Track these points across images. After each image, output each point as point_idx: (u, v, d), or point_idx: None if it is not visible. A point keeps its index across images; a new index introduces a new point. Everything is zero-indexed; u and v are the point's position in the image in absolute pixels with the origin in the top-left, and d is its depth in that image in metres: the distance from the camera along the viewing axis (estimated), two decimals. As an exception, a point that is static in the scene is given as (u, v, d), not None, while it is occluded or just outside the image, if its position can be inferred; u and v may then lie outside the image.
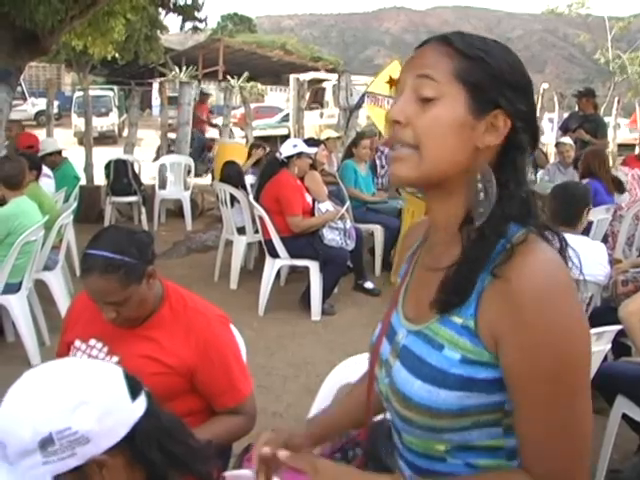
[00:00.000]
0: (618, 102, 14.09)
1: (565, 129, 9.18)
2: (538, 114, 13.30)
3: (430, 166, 1.16)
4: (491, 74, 1.15)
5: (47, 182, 6.45)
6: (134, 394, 1.34)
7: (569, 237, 3.89)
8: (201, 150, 12.76)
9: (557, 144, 8.47)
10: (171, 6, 10.58)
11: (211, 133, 14.59)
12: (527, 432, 1.08)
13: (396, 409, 1.25)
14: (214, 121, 14.77)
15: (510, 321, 1.08)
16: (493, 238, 1.15)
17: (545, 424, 1.06)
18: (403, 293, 1.35)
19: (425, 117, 1.15)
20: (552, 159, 10.27)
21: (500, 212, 1.15)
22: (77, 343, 2.30)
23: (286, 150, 6.14)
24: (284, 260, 6.10)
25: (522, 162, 1.19)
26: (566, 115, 10.72)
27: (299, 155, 6.12)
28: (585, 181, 6.21)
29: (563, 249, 1.18)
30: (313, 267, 5.93)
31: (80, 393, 1.27)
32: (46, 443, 1.22)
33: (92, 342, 2.28)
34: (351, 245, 6.10)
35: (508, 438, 1.17)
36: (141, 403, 1.35)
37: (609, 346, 3.03)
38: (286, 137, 12.46)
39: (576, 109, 9.64)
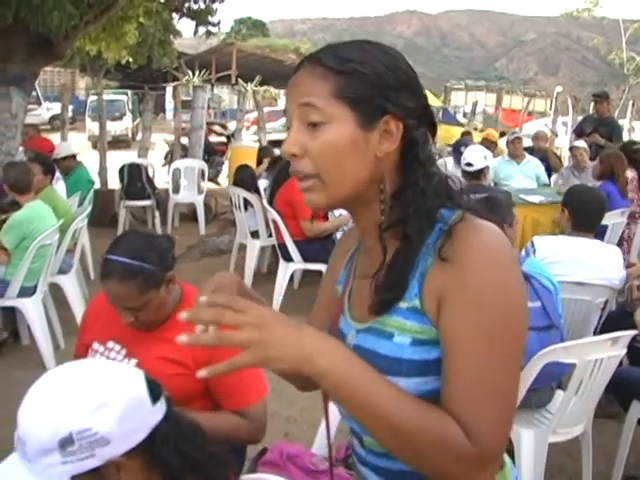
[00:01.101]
0: (633, 105, 14.04)
1: (579, 133, 9.12)
2: (552, 117, 13.25)
3: (335, 190, 1.17)
4: (370, 83, 1.14)
5: (58, 185, 6.47)
6: (155, 397, 1.35)
7: (584, 241, 3.88)
8: (208, 154, 12.75)
9: (571, 148, 8.41)
10: (185, 11, 10.58)
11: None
12: (457, 389, 1.08)
13: None
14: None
15: (453, 281, 1.10)
16: (416, 237, 1.16)
17: (477, 383, 1.07)
18: (347, 298, 1.36)
19: (317, 144, 1.15)
20: (566, 163, 10.23)
21: (416, 211, 1.17)
22: (95, 345, 2.31)
23: (300, 154, 6.14)
24: (298, 264, 6.10)
25: (425, 155, 1.19)
26: (580, 118, 10.66)
27: (313, 159, 6.12)
28: (599, 183, 6.18)
29: None
30: (326, 271, 5.93)
31: (102, 394, 1.28)
32: (66, 443, 1.23)
33: (110, 344, 2.29)
34: (364, 249, 6.09)
35: None
36: (161, 407, 1.36)
37: (624, 351, 3.01)
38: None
39: (590, 112, 9.58)
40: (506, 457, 1.28)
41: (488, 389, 1.07)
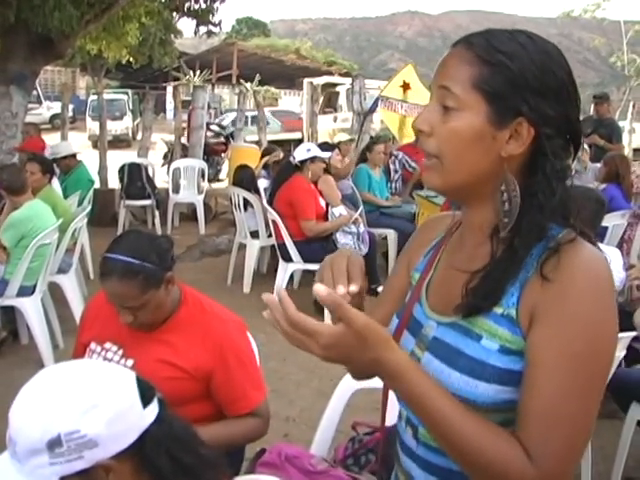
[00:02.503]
0: (633, 106, 14.01)
1: (579, 134, 9.09)
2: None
3: (452, 176, 1.16)
4: (512, 81, 1.10)
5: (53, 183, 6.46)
6: (146, 400, 1.33)
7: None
8: (207, 154, 12.71)
9: (571, 149, 8.38)
10: (186, 10, 10.58)
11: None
12: (532, 406, 1.07)
13: None
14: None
15: (552, 302, 1.08)
16: (522, 252, 1.13)
17: (552, 404, 1.05)
18: (425, 287, 1.33)
19: (445, 129, 1.14)
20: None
21: (528, 224, 1.13)
22: (93, 345, 2.30)
23: (300, 154, 6.14)
24: (297, 264, 6.10)
25: (553, 169, 1.13)
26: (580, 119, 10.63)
27: (313, 159, 6.12)
28: (603, 186, 6.15)
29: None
30: (326, 271, 5.92)
31: (92, 396, 1.27)
32: (54, 444, 1.23)
33: (108, 345, 2.28)
34: (364, 249, 6.08)
35: None
36: (152, 410, 1.35)
37: (624, 352, 3.00)
38: (300, 141, 12.47)
39: (590, 113, 9.56)
40: None
41: (563, 412, 1.05)
